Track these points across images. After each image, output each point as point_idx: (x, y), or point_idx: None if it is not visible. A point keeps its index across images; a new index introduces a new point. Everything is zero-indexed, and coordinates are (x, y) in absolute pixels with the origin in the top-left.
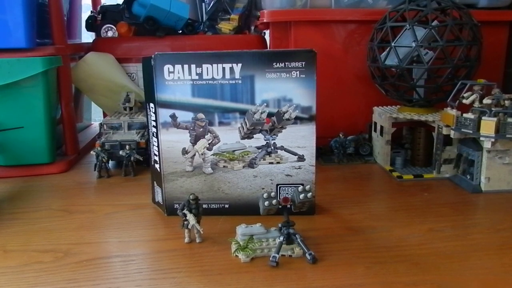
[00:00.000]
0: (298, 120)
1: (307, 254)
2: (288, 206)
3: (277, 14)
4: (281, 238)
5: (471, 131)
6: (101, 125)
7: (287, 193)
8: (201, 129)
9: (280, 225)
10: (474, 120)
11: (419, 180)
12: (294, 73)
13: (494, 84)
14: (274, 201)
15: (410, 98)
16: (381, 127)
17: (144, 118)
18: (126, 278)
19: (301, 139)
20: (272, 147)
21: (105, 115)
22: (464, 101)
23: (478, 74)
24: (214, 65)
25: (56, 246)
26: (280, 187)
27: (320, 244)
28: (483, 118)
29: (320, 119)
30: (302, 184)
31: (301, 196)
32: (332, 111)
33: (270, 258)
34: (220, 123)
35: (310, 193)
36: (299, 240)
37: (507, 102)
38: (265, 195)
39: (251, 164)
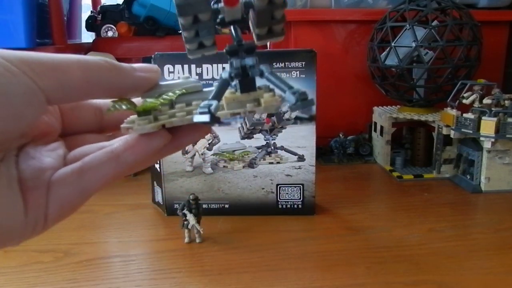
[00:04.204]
0: (298, 120)
1: (288, 93)
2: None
3: None
4: (226, 75)
5: (471, 131)
6: None
7: None
8: None
9: (227, 48)
10: (474, 120)
11: (419, 180)
12: (294, 73)
13: (494, 84)
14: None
15: (410, 98)
16: (381, 127)
17: None
18: (126, 278)
19: (301, 139)
20: (272, 147)
21: None
22: (464, 101)
23: (478, 74)
24: (214, 65)
25: (56, 246)
26: (280, 187)
27: (320, 244)
28: (483, 118)
29: (320, 119)
30: None
31: None
32: (332, 111)
33: (200, 106)
34: (220, 123)
35: None
36: (269, 75)
37: (507, 102)
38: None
39: (251, 164)
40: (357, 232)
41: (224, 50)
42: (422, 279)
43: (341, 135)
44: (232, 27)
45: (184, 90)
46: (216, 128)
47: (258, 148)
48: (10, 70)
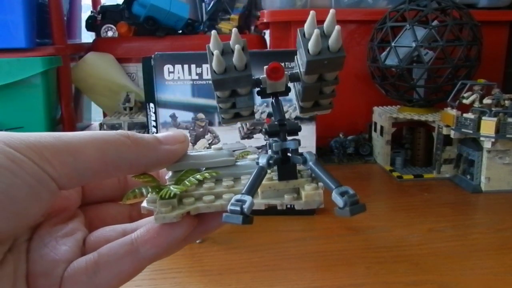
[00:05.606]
0: (298, 120)
1: (336, 193)
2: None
3: (277, 14)
4: (264, 161)
5: (471, 131)
6: (101, 125)
7: None
8: (201, 129)
9: (266, 128)
10: (474, 120)
11: (419, 180)
12: None
13: (494, 84)
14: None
15: (410, 98)
16: (381, 127)
17: (144, 118)
18: None
19: (301, 139)
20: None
21: (105, 115)
22: (464, 101)
23: (478, 74)
24: None
25: None
26: None
27: (320, 244)
28: (483, 118)
29: (320, 119)
30: None
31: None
32: (332, 111)
33: (232, 202)
34: (220, 123)
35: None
36: (313, 165)
37: (507, 102)
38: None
39: None
40: (357, 232)
41: (263, 130)
42: (422, 279)
43: (341, 135)
44: (273, 100)
45: (214, 173)
46: (216, 128)
47: (258, 148)
48: (16, 160)
